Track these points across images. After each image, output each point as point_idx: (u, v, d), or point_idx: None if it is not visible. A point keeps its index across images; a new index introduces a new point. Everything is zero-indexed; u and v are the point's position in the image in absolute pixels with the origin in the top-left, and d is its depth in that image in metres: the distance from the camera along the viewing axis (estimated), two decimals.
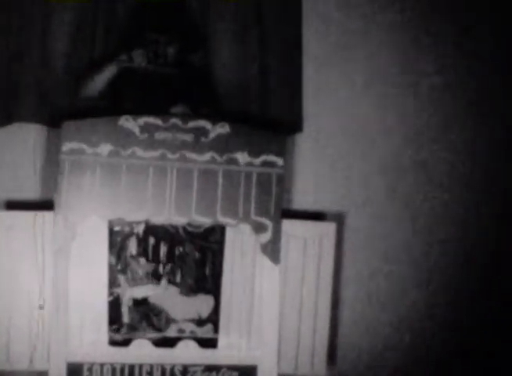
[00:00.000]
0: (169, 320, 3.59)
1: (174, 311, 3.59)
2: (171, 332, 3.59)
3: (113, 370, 3.49)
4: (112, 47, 3.99)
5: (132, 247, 3.57)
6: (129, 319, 3.56)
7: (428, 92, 4.36)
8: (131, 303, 3.56)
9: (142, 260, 3.57)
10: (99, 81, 3.82)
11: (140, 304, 3.57)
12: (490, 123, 4.41)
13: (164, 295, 3.59)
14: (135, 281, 3.57)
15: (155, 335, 3.57)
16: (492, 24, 4.38)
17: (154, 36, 3.79)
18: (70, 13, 4.00)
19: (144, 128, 3.47)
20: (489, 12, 4.37)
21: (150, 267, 3.57)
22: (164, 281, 3.58)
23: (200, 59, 4.11)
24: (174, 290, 3.60)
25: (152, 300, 3.59)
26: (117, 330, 3.55)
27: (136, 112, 3.50)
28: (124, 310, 3.56)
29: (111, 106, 3.83)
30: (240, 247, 3.59)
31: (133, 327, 3.56)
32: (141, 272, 3.57)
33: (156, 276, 3.57)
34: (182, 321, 3.60)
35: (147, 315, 3.58)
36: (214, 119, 3.52)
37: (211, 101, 3.96)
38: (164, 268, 3.58)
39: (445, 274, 4.34)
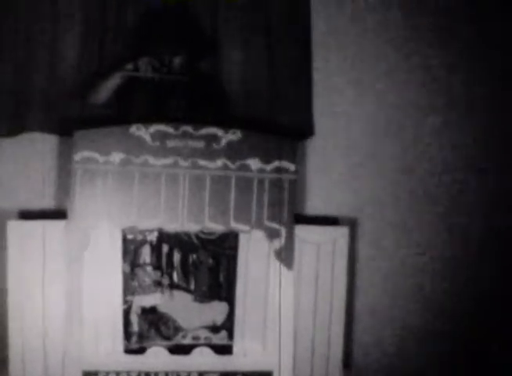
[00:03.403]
0: (182, 328, 3.59)
1: (188, 318, 3.59)
2: (186, 339, 3.59)
3: None
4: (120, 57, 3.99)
5: (146, 255, 3.57)
6: (141, 328, 3.56)
7: (442, 97, 4.36)
8: (139, 311, 3.56)
9: (149, 268, 3.57)
10: (104, 89, 3.81)
11: (152, 312, 3.57)
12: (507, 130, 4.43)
13: (177, 303, 3.59)
14: (142, 289, 3.57)
15: (170, 343, 3.57)
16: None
17: (160, 48, 3.79)
18: (78, 24, 4.01)
19: (155, 136, 3.47)
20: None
21: (157, 275, 3.57)
22: (167, 289, 3.58)
23: (209, 66, 4.11)
24: (187, 297, 3.60)
25: (164, 308, 3.58)
26: (132, 338, 3.55)
27: (144, 119, 3.51)
28: (134, 318, 3.56)
29: (119, 114, 3.83)
30: (254, 253, 3.58)
31: (147, 335, 3.57)
32: (148, 280, 3.57)
33: (162, 284, 3.58)
34: (196, 328, 3.60)
35: (159, 323, 3.58)
36: (226, 126, 3.52)
37: (221, 108, 3.96)
38: (167, 276, 3.58)
39: (460, 278, 4.34)
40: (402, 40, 4.34)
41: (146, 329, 3.57)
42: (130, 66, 3.77)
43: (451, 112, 4.39)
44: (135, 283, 3.56)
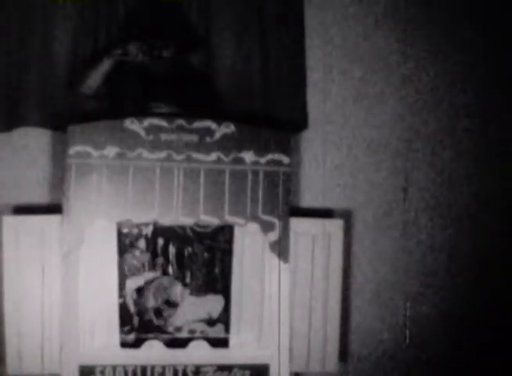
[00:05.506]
0: (179, 321, 3.59)
1: (184, 311, 3.60)
2: (182, 333, 3.59)
3: (126, 372, 3.49)
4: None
5: (141, 248, 3.57)
6: (138, 320, 3.57)
7: (436, 87, 4.36)
8: (134, 295, 3.56)
9: (137, 252, 3.57)
10: (95, 76, 3.80)
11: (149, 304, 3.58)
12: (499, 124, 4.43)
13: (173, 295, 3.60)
14: (132, 272, 3.56)
15: (166, 336, 3.57)
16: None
17: (151, 40, 3.78)
18: (71, 18, 4.00)
19: (149, 130, 3.48)
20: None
21: (146, 258, 3.57)
22: (159, 268, 3.58)
23: (200, 59, 4.11)
24: (184, 290, 3.60)
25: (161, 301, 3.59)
26: (128, 332, 3.55)
27: (135, 113, 3.53)
28: (130, 307, 3.56)
29: (111, 107, 3.83)
30: (249, 246, 3.59)
31: (143, 329, 3.57)
32: (136, 262, 3.56)
33: (153, 267, 3.57)
34: (192, 321, 3.60)
35: (156, 315, 3.58)
36: (219, 119, 3.52)
37: (211, 101, 3.95)
38: (158, 260, 3.58)
39: (454, 269, 4.34)
40: (400, 32, 4.34)
41: (143, 321, 3.57)
42: (119, 51, 3.76)
43: (448, 105, 4.40)
44: (125, 268, 3.55)
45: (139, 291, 3.56)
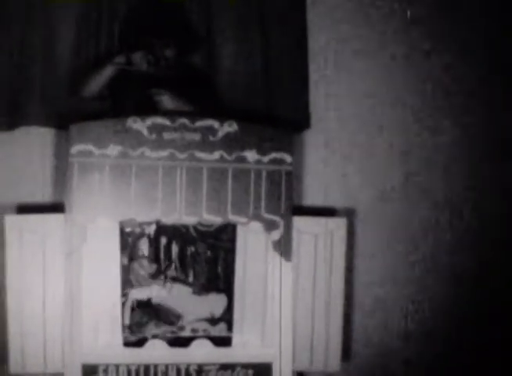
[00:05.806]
0: (182, 320, 3.59)
1: (187, 310, 3.59)
2: (185, 332, 3.59)
3: (129, 370, 3.49)
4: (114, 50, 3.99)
5: (144, 247, 3.57)
6: (140, 320, 3.56)
7: (437, 88, 4.37)
8: (135, 305, 3.56)
9: (145, 261, 3.56)
10: (97, 81, 3.80)
11: (151, 304, 3.57)
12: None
13: (176, 295, 3.59)
14: (139, 282, 3.56)
15: (169, 335, 3.57)
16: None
17: (151, 40, 3.79)
18: (73, 18, 4.01)
19: (152, 129, 3.47)
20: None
21: (152, 268, 3.57)
22: (168, 282, 3.58)
23: (202, 59, 4.11)
24: (186, 290, 3.60)
25: (164, 300, 3.58)
26: (131, 331, 3.55)
27: (138, 110, 3.54)
28: (128, 312, 3.56)
29: (113, 107, 3.84)
30: (252, 245, 3.59)
31: (145, 328, 3.56)
32: (143, 272, 3.56)
33: (160, 277, 3.57)
34: (195, 320, 3.60)
35: (158, 315, 3.58)
36: (222, 118, 3.52)
37: (213, 101, 3.95)
38: (166, 267, 3.58)
39: (454, 269, 4.34)
40: (403, 31, 4.35)
41: (145, 321, 3.57)
42: (122, 58, 3.78)
43: (449, 105, 4.40)
44: (132, 277, 3.55)
45: (140, 305, 3.57)
